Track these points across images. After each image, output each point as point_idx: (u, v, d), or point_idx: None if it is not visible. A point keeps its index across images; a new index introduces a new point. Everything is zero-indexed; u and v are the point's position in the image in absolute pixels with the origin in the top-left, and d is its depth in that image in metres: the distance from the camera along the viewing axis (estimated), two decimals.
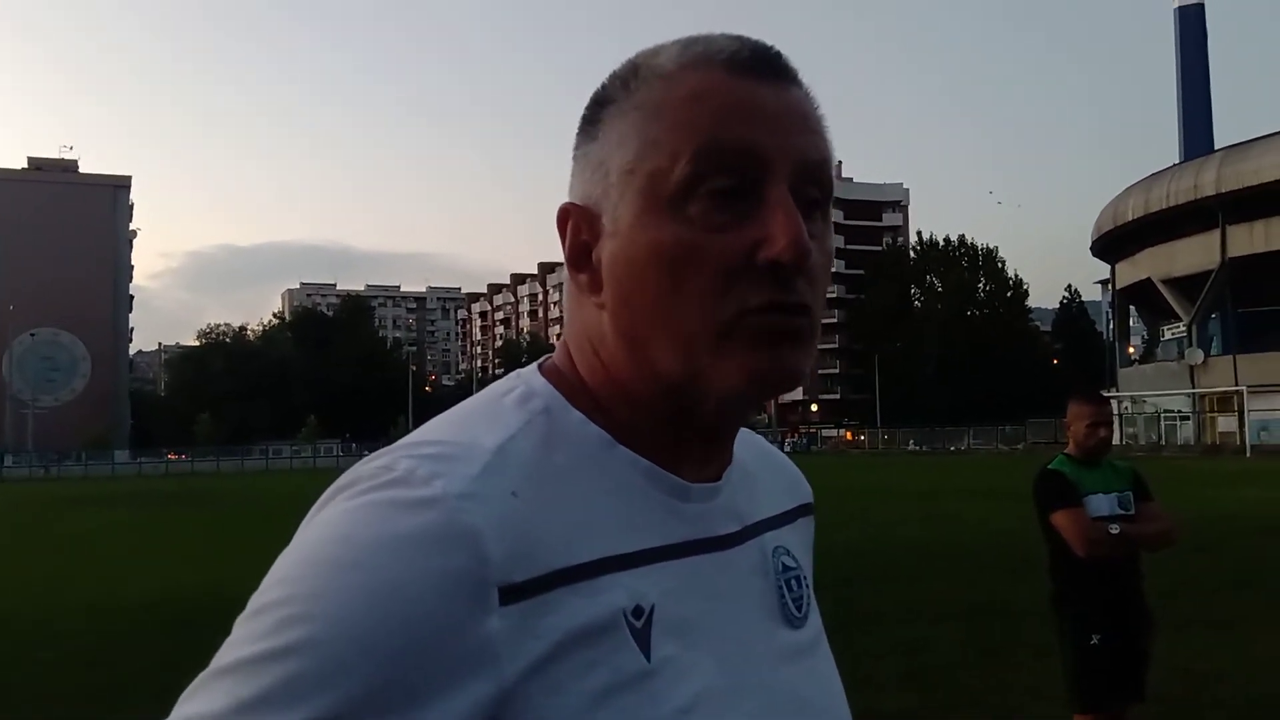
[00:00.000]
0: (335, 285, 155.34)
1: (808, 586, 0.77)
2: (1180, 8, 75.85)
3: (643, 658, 0.60)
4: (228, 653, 0.55)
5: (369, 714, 0.53)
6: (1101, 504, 3.73)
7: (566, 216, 0.68)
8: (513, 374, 0.71)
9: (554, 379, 0.69)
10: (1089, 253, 64.87)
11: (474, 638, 0.55)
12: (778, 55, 0.67)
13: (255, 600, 0.57)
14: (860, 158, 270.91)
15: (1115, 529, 3.65)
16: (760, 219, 0.63)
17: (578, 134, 0.70)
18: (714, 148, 0.63)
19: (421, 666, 0.54)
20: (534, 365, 0.72)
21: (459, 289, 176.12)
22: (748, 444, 0.78)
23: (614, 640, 0.59)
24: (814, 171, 0.65)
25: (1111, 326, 67.71)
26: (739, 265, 0.63)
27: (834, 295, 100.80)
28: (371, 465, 0.61)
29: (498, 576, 0.56)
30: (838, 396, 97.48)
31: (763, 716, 0.66)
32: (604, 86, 0.69)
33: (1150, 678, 3.87)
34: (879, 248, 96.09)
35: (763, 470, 0.79)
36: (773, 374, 0.64)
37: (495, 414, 0.65)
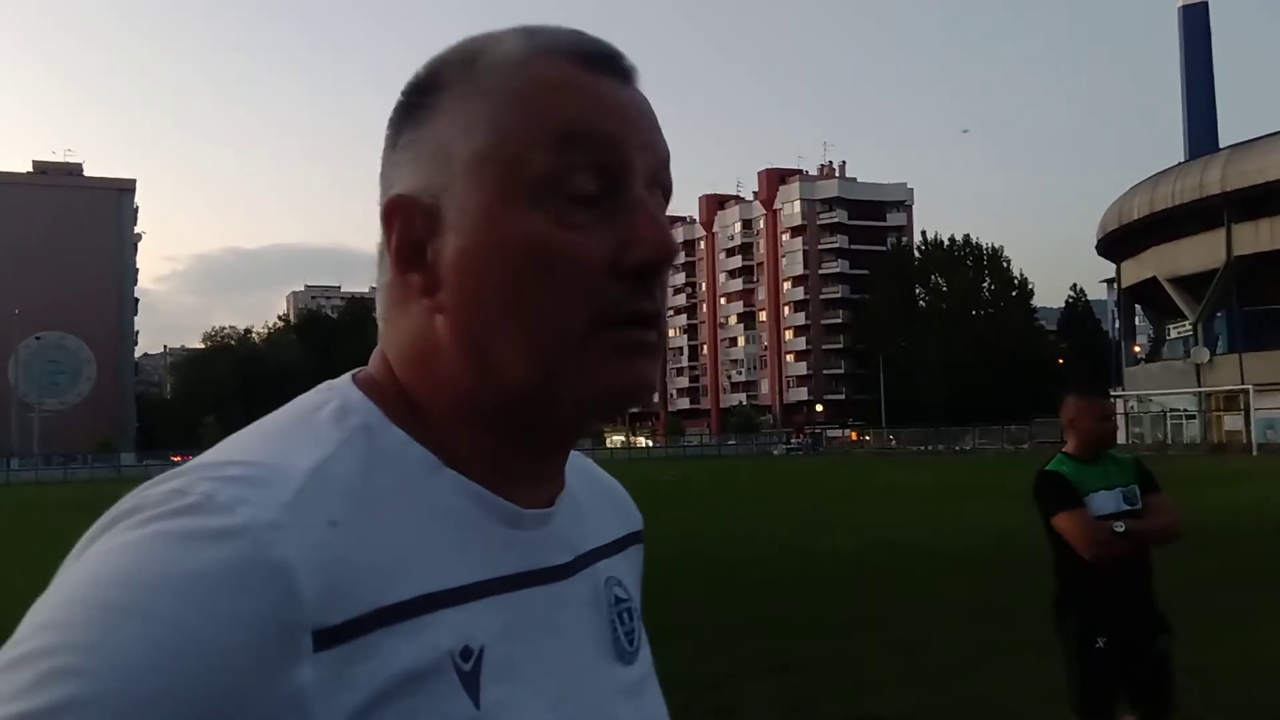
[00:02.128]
0: (340, 287, 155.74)
1: (638, 619, 0.72)
2: (1184, 6, 75.65)
3: (471, 705, 0.55)
4: None
5: None
6: (1106, 501, 3.62)
7: (395, 210, 0.61)
8: (323, 385, 0.64)
9: (371, 392, 0.62)
10: (1094, 252, 64.75)
11: (282, 692, 0.48)
12: (620, 53, 0.64)
13: (12, 649, 0.47)
14: (864, 158, 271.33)
15: (1120, 527, 3.55)
16: (624, 219, 0.60)
17: (397, 120, 0.64)
18: (575, 139, 0.59)
19: None
20: (347, 376, 0.65)
21: None
22: (575, 466, 0.71)
23: (440, 686, 0.54)
24: (661, 171, 0.63)
25: (1117, 325, 67.51)
26: (601, 267, 0.59)
27: (838, 295, 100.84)
28: (161, 489, 0.52)
29: (311, 619, 0.49)
30: (842, 397, 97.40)
31: None
32: (432, 71, 0.63)
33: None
34: (883, 248, 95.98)
35: (591, 495, 0.74)
36: (632, 387, 0.61)
37: (309, 431, 0.58)
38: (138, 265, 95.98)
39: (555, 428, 0.63)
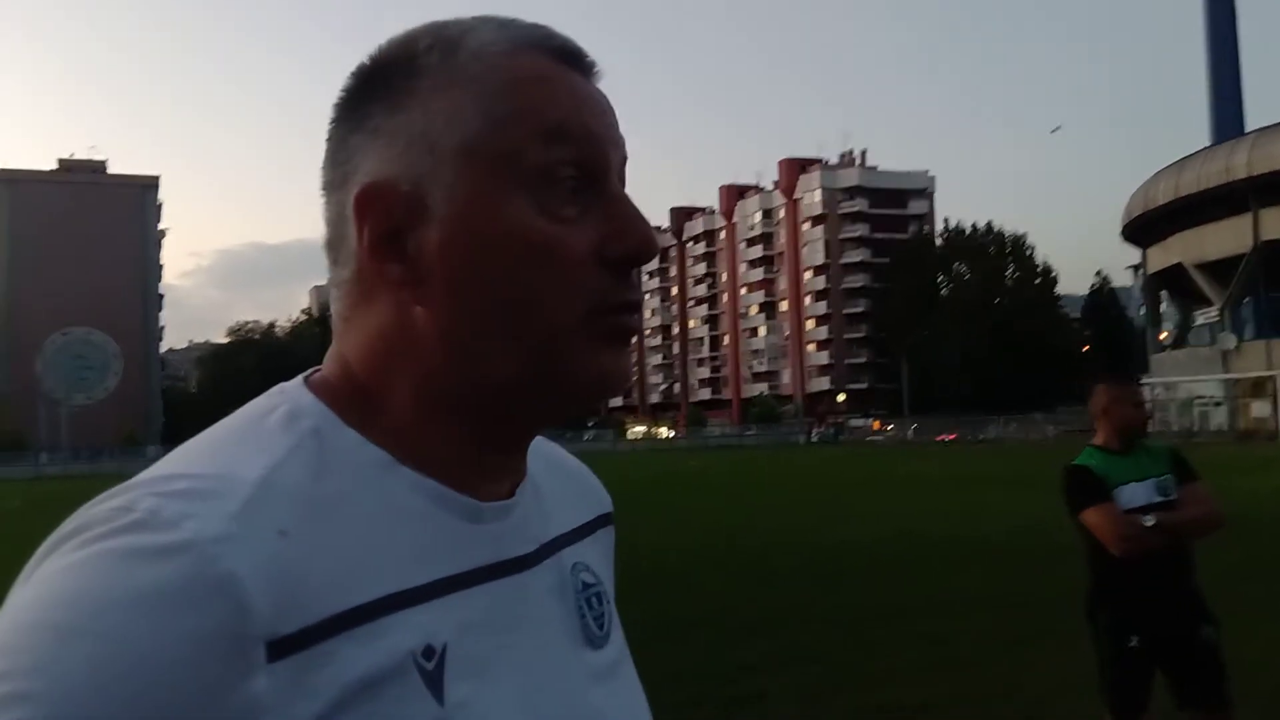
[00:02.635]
0: None
1: (609, 603, 0.72)
2: None
3: (435, 703, 0.55)
4: None
5: None
6: (1137, 494, 3.52)
7: (372, 198, 0.59)
8: (274, 389, 0.63)
9: (323, 394, 0.61)
10: (1119, 238, 64.20)
11: (236, 704, 0.48)
12: (585, 51, 0.64)
13: None
14: (885, 145, 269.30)
15: (1150, 520, 3.43)
16: (606, 212, 0.61)
17: (362, 101, 0.61)
18: (565, 134, 0.59)
19: None
20: (299, 379, 0.64)
21: None
22: (536, 453, 0.70)
23: (402, 687, 0.53)
24: (623, 167, 0.64)
25: (1142, 312, 66.90)
26: (588, 259, 0.60)
27: (860, 284, 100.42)
28: (105, 506, 0.52)
29: (263, 630, 0.49)
30: (864, 386, 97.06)
31: None
32: (402, 55, 0.61)
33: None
34: (905, 236, 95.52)
35: (555, 481, 0.73)
36: (618, 375, 0.62)
37: (257, 438, 0.57)
38: (162, 261, 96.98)
39: (532, 419, 0.63)
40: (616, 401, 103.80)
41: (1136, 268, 68.11)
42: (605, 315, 0.60)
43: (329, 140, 0.63)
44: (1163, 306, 64.90)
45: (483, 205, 0.58)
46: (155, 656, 0.46)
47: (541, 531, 0.67)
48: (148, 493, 0.52)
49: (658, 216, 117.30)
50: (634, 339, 0.63)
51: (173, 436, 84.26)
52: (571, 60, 0.62)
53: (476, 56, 0.60)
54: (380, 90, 0.61)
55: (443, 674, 0.55)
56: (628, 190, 0.64)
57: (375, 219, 0.59)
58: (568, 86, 0.61)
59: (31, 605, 0.49)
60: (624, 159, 0.64)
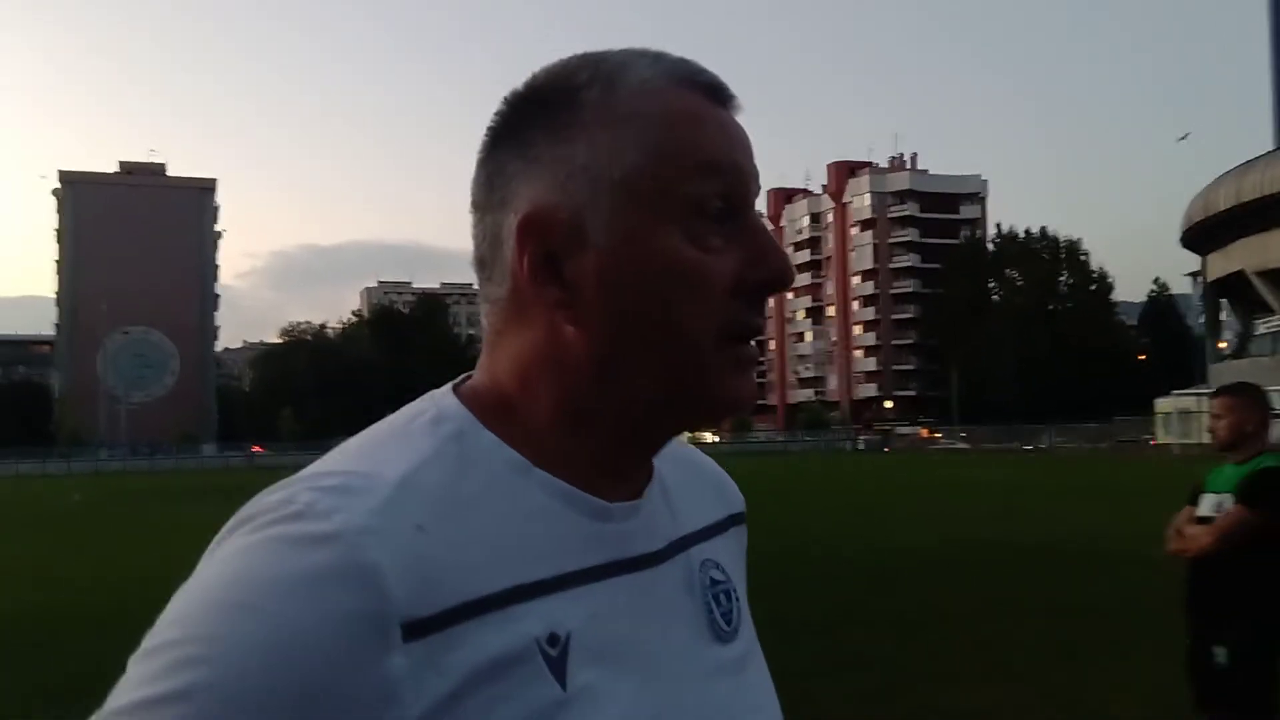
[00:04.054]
0: (411, 284, 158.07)
1: (738, 599, 0.75)
2: None
3: (558, 687, 0.58)
4: (122, 694, 0.54)
5: None
6: (1206, 504, 3.69)
7: (535, 225, 0.63)
8: (425, 396, 0.68)
9: (469, 400, 0.66)
10: (1178, 244, 62.86)
11: (375, 678, 0.54)
12: (726, 84, 0.68)
13: (150, 639, 0.55)
14: (937, 149, 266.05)
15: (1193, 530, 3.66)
16: (744, 243, 0.64)
17: (526, 130, 0.65)
18: (717, 169, 0.64)
19: (319, 711, 0.53)
20: (448, 386, 0.69)
21: None
22: (670, 455, 0.74)
23: (527, 671, 0.58)
24: (757, 196, 0.68)
25: (1202, 320, 65.52)
26: (729, 285, 0.63)
27: (909, 290, 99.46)
28: (273, 497, 0.59)
29: (400, 613, 0.54)
30: (913, 393, 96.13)
31: None
32: (563, 88, 0.65)
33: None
34: (956, 241, 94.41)
35: (686, 481, 0.77)
36: (745, 398, 0.65)
37: (404, 440, 0.63)
38: (218, 262, 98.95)
39: (664, 432, 0.68)
40: None
41: (1196, 275, 66.75)
42: (736, 340, 0.64)
43: (483, 162, 0.67)
44: (1223, 315, 63.50)
45: (638, 235, 0.62)
46: (307, 631, 0.53)
47: (670, 530, 0.71)
48: (306, 487, 0.58)
49: None
50: (756, 363, 0.67)
51: (227, 435, 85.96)
52: (717, 96, 0.66)
53: (636, 93, 0.64)
54: (541, 119, 0.64)
55: (566, 660, 0.59)
56: None
57: (536, 244, 0.63)
58: (717, 123, 0.65)
59: (208, 582, 0.56)
60: (759, 190, 0.68)
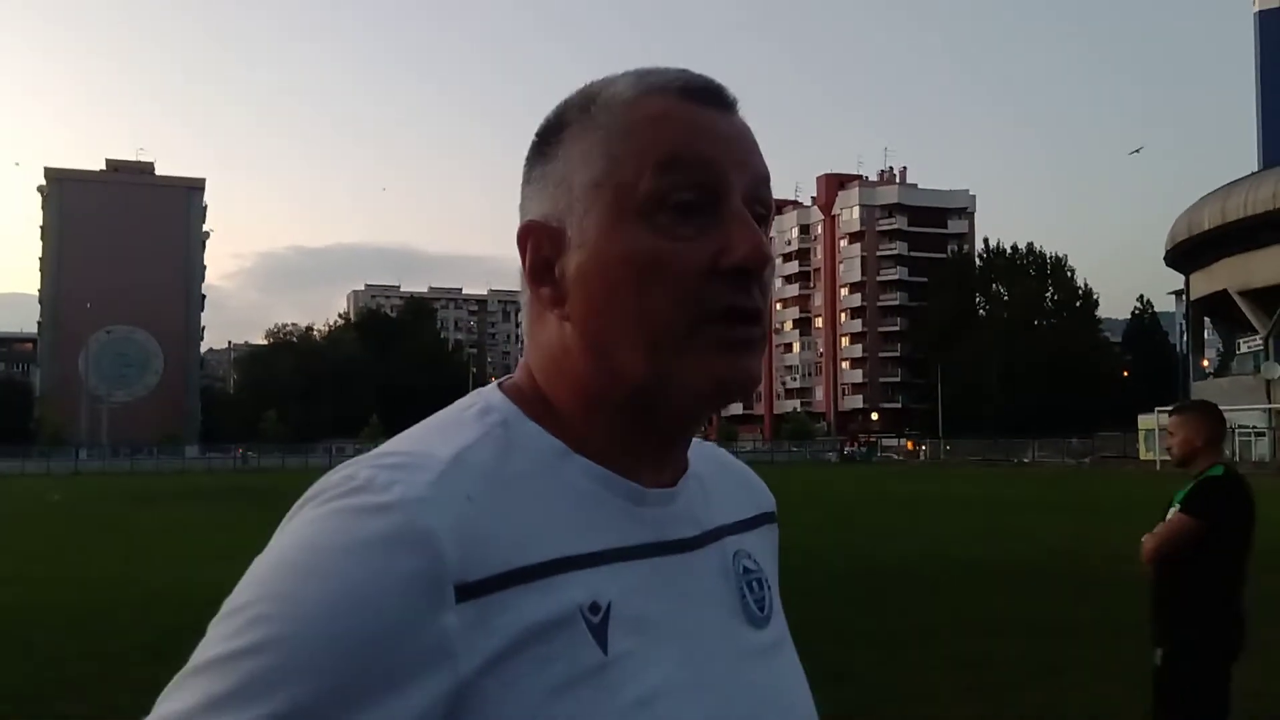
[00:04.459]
0: (399, 287, 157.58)
1: (770, 589, 0.79)
2: (1260, 12, 73.55)
3: (600, 651, 0.62)
4: (202, 652, 0.59)
5: (331, 708, 0.56)
6: (1170, 515, 3.89)
7: (528, 234, 0.71)
8: (474, 392, 0.74)
9: (512, 394, 0.72)
10: (1163, 263, 63.29)
11: (431, 635, 0.58)
12: (721, 87, 0.72)
13: (228, 603, 0.60)
14: (925, 164, 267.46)
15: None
16: (721, 230, 0.67)
17: (530, 159, 0.73)
18: (677, 163, 0.67)
19: (381, 664, 0.57)
20: (494, 383, 0.75)
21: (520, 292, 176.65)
22: (706, 456, 0.81)
23: (571, 635, 0.61)
24: (761, 187, 0.70)
25: (1185, 339, 65.91)
26: (703, 271, 0.66)
27: (896, 303, 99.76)
28: (337, 475, 0.64)
29: (454, 576, 0.59)
30: (899, 406, 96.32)
31: (723, 711, 0.68)
32: (557, 115, 0.73)
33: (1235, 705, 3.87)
34: (943, 255, 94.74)
35: (721, 480, 0.81)
36: (734, 379, 0.68)
37: (455, 426, 0.68)
38: (205, 262, 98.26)
39: (671, 418, 0.71)
40: None
41: (1179, 293, 67.16)
42: (715, 323, 0.67)
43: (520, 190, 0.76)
44: (1206, 333, 63.91)
45: (604, 232, 0.68)
46: (372, 591, 0.57)
47: (705, 519, 0.75)
48: (367, 465, 0.63)
49: None
50: (752, 345, 0.69)
51: (210, 436, 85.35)
52: (699, 96, 0.70)
53: (606, 107, 0.70)
54: (541, 146, 0.73)
55: (607, 627, 0.63)
56: None
57: (532, 250, 0.71)
58: (684, 121, 0.69)
59: (280, 550, 0.61)
60: (754, 179, 0.70)
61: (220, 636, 0.58)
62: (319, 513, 0.61)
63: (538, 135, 0.74)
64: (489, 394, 0.73)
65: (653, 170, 0.67)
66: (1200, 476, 3.86)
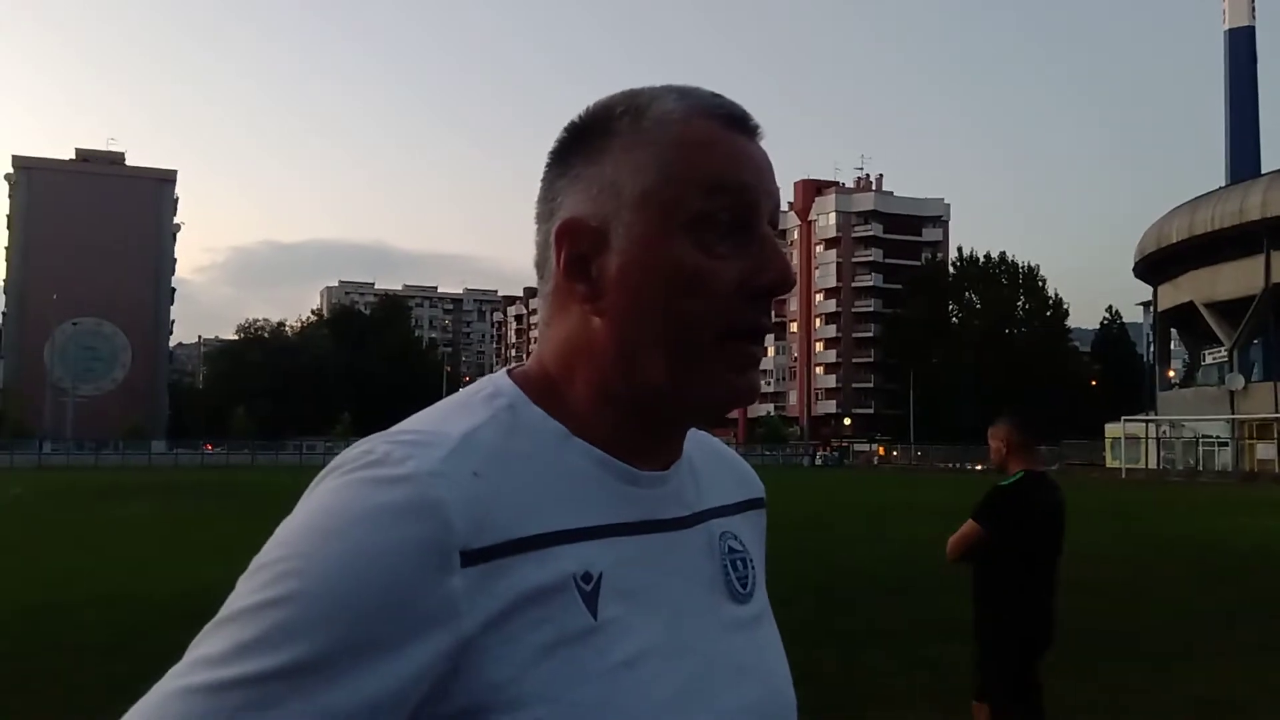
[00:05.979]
0: (373, 284, 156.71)
1: (754, 568, 0.84)
2: (1230, 30, 74.67)
3: (590, 616, 0.68)
4: (231, 604, 0.64)
5: (346, 657, 0.61)
6: None
7: (567, 230, 0.75)
8: (484, 378, 0.79)
9: (520, 381, 0.77)
10: (1131, 274, 64.02)
11: (438, 595, 0.63)
12: (749, 115, 0.78)
13: (256, 561, 0.66)
14: (901, 172, 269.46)
15: None
16: (753, 251, 0.73)
17: (564, 155, 0.77)
18: (723, 187, 0.73)
19: (392, 619, 0.62)
20: (503, 370, 0.79)
21: (495, 292, 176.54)
22: (699, 443, 0.86)
23: (563, 600, 0.67)
24: (777, 211, 0.77)
25: (1152, 349, 66.70)
26: (734, 289, 0.72)
27: (871, 309, 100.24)
28: (356, 450, 0.69)
29: (460, 542, 0.64)
30: (871, 411, 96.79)
31: (704, 675, 0.73)
32: (601, 117, 0.77)
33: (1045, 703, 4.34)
34: (918, 263, 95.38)
35: (714, 467, 0.87)
36: (745, 392, 0.74)
37: (465, 408, 0.74)
38: (176, 255, 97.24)
39: (678, 418, 0.78)
40: None
41: (1147, 304, 67.95)
42: (740, 339, 0.73)
43: (542, 182, 0.79)
44: (1172, 344, 64.70)
45: (651, 241, 0.72)
46: (386, 553, 0.63)
47: (695, 502, 0.81)
48: (383, 441, 0.69)
49: None
50: (759, 362, 0.76)
51: (178, 431, 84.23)
52: (737, 124, 0.76)
53: (658, 122, 0.75)
54: (582, 145, 0.76)
55: (598, 596, 0.69)
56: None
57: (570, 246, 0.75)
58: (728, 147, 0.74)
59: (304, 515, 0.66)
60: (776, 205, 0.77)
61: (250, 589, 0.64)
62: (340, 482, 0.66)
63: (574, 134, 0.77)
64: (498, 380, 0.77)
65: (700, 192, 0.72)
66: (1000, 484, 4.10)
